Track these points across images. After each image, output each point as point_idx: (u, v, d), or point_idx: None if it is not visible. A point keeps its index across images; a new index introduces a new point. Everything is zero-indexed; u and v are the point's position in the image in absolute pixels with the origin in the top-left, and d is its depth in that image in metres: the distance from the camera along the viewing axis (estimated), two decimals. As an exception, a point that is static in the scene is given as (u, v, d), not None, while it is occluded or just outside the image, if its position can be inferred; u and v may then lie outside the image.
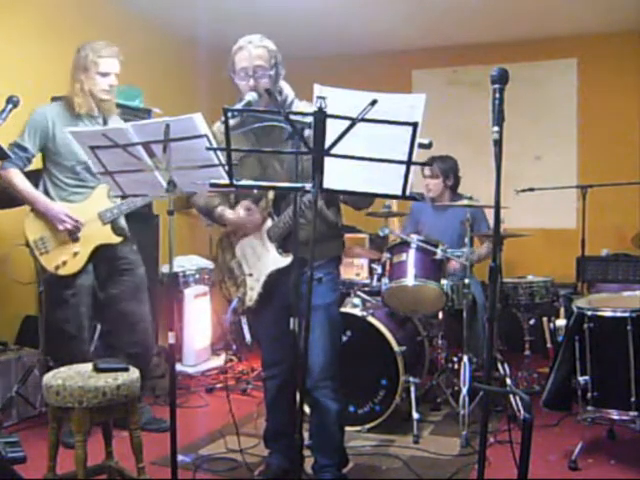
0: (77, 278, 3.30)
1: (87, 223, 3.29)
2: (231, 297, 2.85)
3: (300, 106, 2.67)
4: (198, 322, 4.98)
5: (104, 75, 3.29)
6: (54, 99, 3.58)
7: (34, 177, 3.35)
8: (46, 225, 3.26)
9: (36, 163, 3.39)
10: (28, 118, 3.26)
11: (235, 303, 2.83)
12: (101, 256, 3.36)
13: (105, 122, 3.41)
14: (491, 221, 4.01)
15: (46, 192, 3.32)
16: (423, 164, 2.09)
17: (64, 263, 3.25)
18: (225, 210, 2.78)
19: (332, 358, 2.68)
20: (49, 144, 3.28)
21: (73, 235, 3.27)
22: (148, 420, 3.49)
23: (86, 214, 3.29)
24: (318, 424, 2.77)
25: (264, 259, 2.71)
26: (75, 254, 3.28)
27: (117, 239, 3.39)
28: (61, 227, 3.24)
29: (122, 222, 3.46)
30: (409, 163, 1.81)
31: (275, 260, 2.68)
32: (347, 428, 3.43)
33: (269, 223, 2.71)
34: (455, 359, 4.00)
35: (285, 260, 2.65)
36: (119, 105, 4.28)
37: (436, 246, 3.76)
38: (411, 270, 3.70)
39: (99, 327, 3.70)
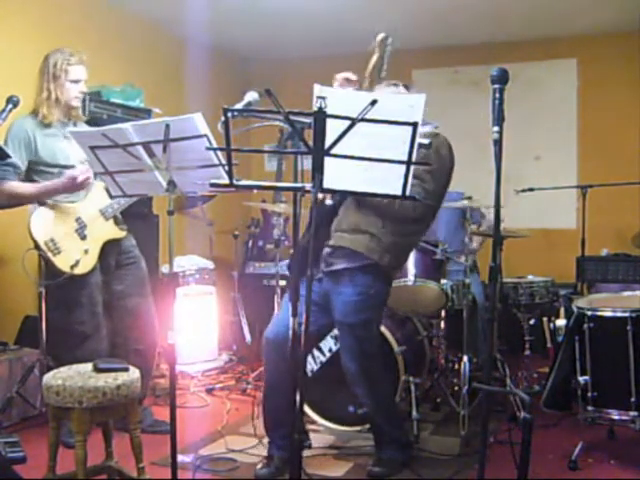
0: (90, 277, 3.26)
1: (92, 221, 3.27)
2: None
3: None
4: (193, 322, 4.91)
5: (75, 82, 3.24)
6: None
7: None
8: (53, 225, 3.20)
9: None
10: (7, 134, 3.15)
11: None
12: (107, 252, 3.34)
13: None
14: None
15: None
16: (423, 164, 2.09)
17: (77, 262, 3.19)
18: None
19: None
20: (32, 157, 3.20)
21: (81, 233, 3.23)
22: (151, 423, 3.48)
23: (88, 212, 3.28)
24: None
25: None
26: (86, 252, 3.23)
27: (122, 233, 3.40)
28: (82, 179, 3.05)
29: (119, 216, 3.44)
30: (409, 163, 1.81)
31: None
32: (347, 428, 3.46)
33: None
34: (455, 359, 4.00)
35: None
36: (119, 105, 4.32)
37: (436, 246, 3.76)
38: (411, 270, 3.70)
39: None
